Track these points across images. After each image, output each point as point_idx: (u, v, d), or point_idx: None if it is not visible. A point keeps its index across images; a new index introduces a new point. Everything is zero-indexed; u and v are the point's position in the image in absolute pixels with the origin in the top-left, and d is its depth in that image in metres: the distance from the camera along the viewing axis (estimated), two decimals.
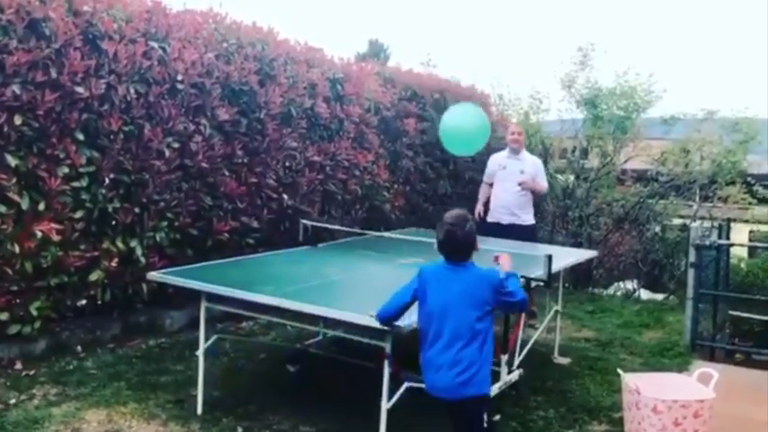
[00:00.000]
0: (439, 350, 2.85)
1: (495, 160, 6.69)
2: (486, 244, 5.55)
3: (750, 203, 8.36)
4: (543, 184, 6.58)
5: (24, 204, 4.22)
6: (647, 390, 3.73)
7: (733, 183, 8.06)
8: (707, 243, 5.81)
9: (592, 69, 8.49)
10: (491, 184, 6.66)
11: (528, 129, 8.76)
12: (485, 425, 2.89)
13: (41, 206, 4.31)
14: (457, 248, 2.91)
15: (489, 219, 6.49)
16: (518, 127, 6.76)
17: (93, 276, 4.69)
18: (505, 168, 6.49)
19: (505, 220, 6.37)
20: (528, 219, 6.45)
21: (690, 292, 5.66)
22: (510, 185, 6.36)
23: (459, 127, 5.60)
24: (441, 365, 2.84)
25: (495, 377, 4.12)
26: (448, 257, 2.95)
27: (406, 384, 3.31)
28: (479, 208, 6.67)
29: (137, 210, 4.93)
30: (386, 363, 3.23)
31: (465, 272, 2.93)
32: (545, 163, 8.74)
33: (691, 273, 5.67)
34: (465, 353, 2.81)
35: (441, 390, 2.86)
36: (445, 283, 2.91)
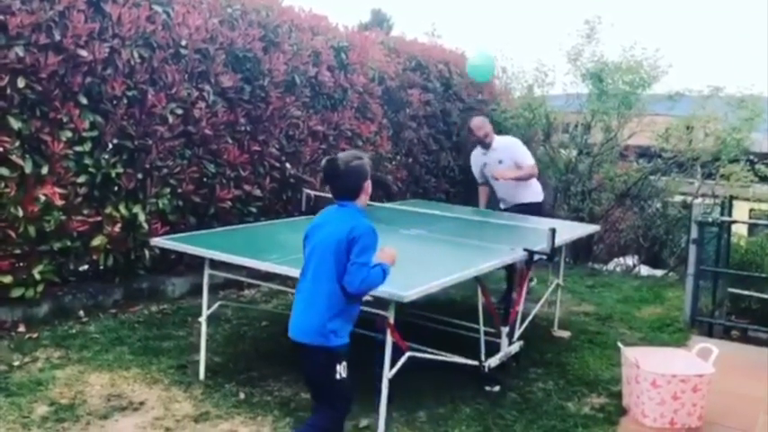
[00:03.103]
0: (299, 289, 2.80)
1: (476, 159, 6.47)
2: (489, 216, 5.60)
3: (752, 181, 8.33)
4: (527, 163, 6.14)
5: (27, 168, 4.21)
6: (646, 363, 3.76)
7: (736, 160, 8.03)
8: (709, 219, 5.81)
9: (598, 43, 8.37)
10: (485, 183, 6.49)
11: (532, 102, 8.70)
12: (336, 377, 2.70)
13: (44, 170, 4.30)
14: (333, 182, 2.78)
15: (501, 206, 6.39)
16: (479, 120, 6.36)
17: (96, 241, 4.70)
18: (487, 165, 6.29)
19: (509, 205, 6.26)
20: (530, 197, 6.22)
21: (691, 268, 5.67)
22: (499, 181, 6.15)
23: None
24: (296, 305, 2.79)
25: (496, 348, 4.16)
26: (332, 193, 2.83)
27: (407, 354, 3.34)
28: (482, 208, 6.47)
29: (139, 176, 4.91)
30: (388, 332, 3.25)
31: (340, 213, 2.80)
32: (548, 137, 8.73)
33: (692, 249, 5.68)
34: (317, 298, 2.70)
35: (292, 329, 2.78)
36: (325, 220, 2.84)
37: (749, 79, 16.95)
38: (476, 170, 6.53)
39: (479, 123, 6.32)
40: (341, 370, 2.71)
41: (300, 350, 2.76)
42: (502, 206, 6.38)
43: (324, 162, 2.80)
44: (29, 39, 4.12)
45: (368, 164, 2.86)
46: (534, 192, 6.30)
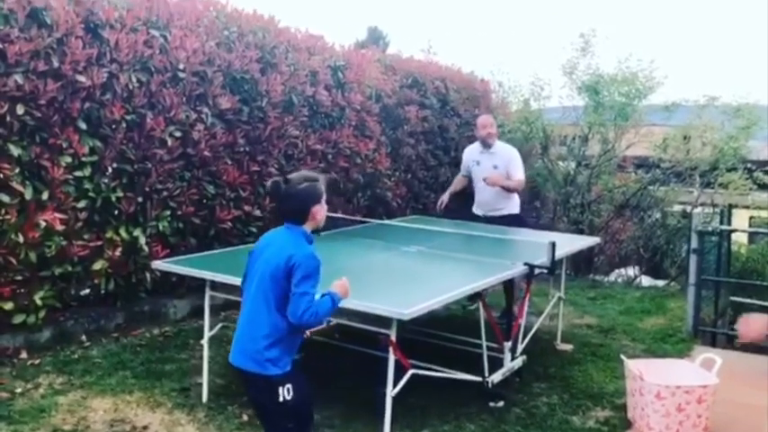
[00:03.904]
0: (241, 314, 2.70)
1: (470, 154, 6.43)
2: (476, 230, 5.60)
3: (750, 189, 8.35)
4: (517, 177, 6.06)
5: (28, 194, 4.22)
6: (650, 375, 3.75)
7: (734, 169, 8.05)
8: (709, 229, 5.82)
9: (593, 56, 8.45)
10: (466, 176, 6.46)
11: (528, 116, 8.75)
12: (279, 401, 2.59)
13: (45, 196, 4.31)
14: (279, 203, 2.72)
15: (474, 210, 6.34)
16: (488, 119, 6.34)
17: (97, 266, 4.70)
18: (479, 164, 6.23)
19: (487, 214, 6.19)
20: (509, 209, 6.17)
21: (692, 277, 5.68)
22: (483, 184, 6.08)
23: None
24: (237, 329, 2.71)
25: (499, 363, 4.16)
26: (279, 215, 2.74)
27: (410, 372, 3.33)
28: (444, 197, 6.42)
29: (140, 199, 4.93)
30: (390, 350, 3.24)
31: (284, 236, 2.70)
32: (545, 150, 8.77)
33: (693, 259, 5.69)
34: (255, 325, 2.62)
35: (231, 353, 2.70)
36: (269, 241, 2.75)
37: (745, 88, 17.05)
38: (465, 162, 6.48)
39: (486, 121, 6.28)
40: (284, 393, 2.60)
41: (241, 375, 2.69)
42: (478, 212, 6.29)
43: (269, 183, 2.71)
44: (28, 66, 4.15)
45: (320, 187, 2.74)
46: (515, 203, 6.24)
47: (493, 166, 6.11)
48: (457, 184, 6.59)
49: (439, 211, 6.41)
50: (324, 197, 2.75)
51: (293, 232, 2.69)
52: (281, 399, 2.59)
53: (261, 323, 2.60)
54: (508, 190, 6.08)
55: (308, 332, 4.70)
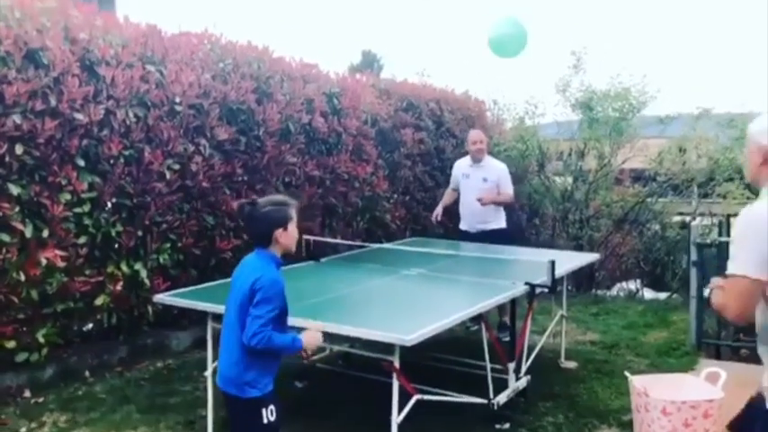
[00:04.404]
0: (221, 341, 2.77)
1: (459, 168, 6.55)
2: (474, 251, 5.62)
3: (749, 198, 8.37)
4: (508, 193, 6.26)
5: (28, 232, 4.24)
6: (655, 391, 3.74)
7: (731, 179, 8.09)
8: (708, 241, 5.83)
9: (585, 72, 8.52)
10: (455, 190, 6.58)
11: (524, 133, 8.81)
12: (263, 422, 2.66)
13: (45, 233, 4.33)
14: (246, 226, 2.75)
15: (461, 226, 6.46)
16: (479, 134, 6.46)
17: (99, 301, 4.72)
18: (468, 177, 6.34)
19: (473, 229, 6.29)
20: (497, 224, 6.29)
21: (693, 290, 5.68)
22: (473, 197, 6.16)
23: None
24: (219, 358, 2.77)
25: (503, 384, 4.15)
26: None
27: (415, 397, 3.33)
28: (438, 210, 6.55)
29: (140, 233, 4.95)
30: (394, 376, 3.24)
31: (253, 260, 2.76)
32: (542, 167, 8.81)
33: (693, 271, 5.69)
34: (231, 348, 2.68)
35: (218, 379, 2.77)
36: (242, 266, 2.81)
37: (740, 99, 17.16)
38: (454, 175, 6.61)
39: (477, 137, 6.39)
40: (268, 414, 2.65)
41: (225, 398, 2.75)
42: (465, 227, 6.38)
43: (236, 205, 2.78)
44: (25, 106, 4.20)
45: (286, 211, 2.76)
46: (502, 218, 6.38)
47: (482, 179, 6.25)
48: (447, 197, 6.70)
49: (435, 222, 6.55)
50: (291, 222, 2.78)
51: (261, 256, 2.75)
52: (265, 421, 2.64)
53: (234, 346, 2.67)
54: (499, 203, 6.26)
55: (305, 357, 4.70)
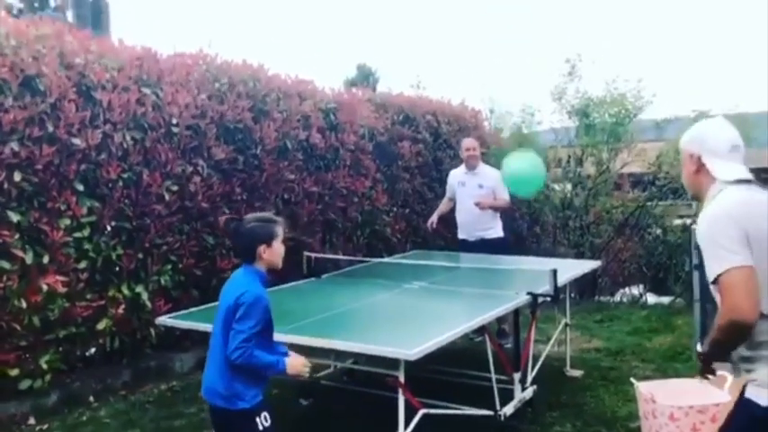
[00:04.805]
0: (208, 353, 2.80)
1: (454, 176, 6.63)
2: (475, 262, 5.61)
3: None
4: (504, 198, 6.32)
5: (29, 259, 4.24)
6: (662, 397, 3.72)
7: None
8: None
9: (581, 79, 8.57)
10: (451, 199, 6.65)
11: (522, 142, 8.82)
12: (260, 429, 2.68)
13: (45, 259, 4.33)
14: (233, 242, 2.82)
15: (459, 236, 6.52)
16: (472, 142, 6.57)
17: (101, 325, 4.70)
18: (464, 185, 6.42)
19: (472, 236, 6.36)
20: (495, 233, 6.37)
21: (696, 294, 5.65)
22: (470, 204, 6.24)
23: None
24: (205, 370, 2.79)
25: (510, 395, 4.13)
26: None
27: (421, 412, 3.31)
28: (433, 218, 6.62)
29: (140, 255, 4.95)
30: (399, 391, 3.23)
31: (240, 275, 2.80)
32: None
33: (695, 275, 5.67)
34: (217, 360, 2.71)
35: (203, 390, 2.79)
36: (230, 280, 2.84)
37: (734, 100, 17.22)
38: (450, 184, 6.69)
39: (470, 144, 6.51)
40: (262, 421, 2.68)
41: (211, 410, 2.78)
42: (464, 236, 6.43)
43: (223, 220, 2.83)
44: (23, 133, 4.22)
45: (272, 228, 2.80)
46: (500, 226, 6.45)
47: (478, 185, 6.33)
48: (443, 206, 6.77)
49: (430, 229, 6.64)
50: (277, 239, 2.81)
51: (247, 272, 2.79)
52: (260, 428, 2.66)
53: (220, 362, 2.69)
54: (497, 209, 6.34)
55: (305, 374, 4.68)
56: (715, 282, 2.06)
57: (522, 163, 5.50)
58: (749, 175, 2.23)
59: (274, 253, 2.80)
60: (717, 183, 2.23)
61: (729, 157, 2.27)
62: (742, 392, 2.12)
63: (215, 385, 2.71)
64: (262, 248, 2.76)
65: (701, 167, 2.28)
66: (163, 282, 5.09)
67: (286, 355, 2.84)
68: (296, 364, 2.78)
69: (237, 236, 2.79)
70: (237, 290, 2.69)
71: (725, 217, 2.07)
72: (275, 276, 6.05)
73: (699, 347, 2.24)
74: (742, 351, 2.14)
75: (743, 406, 2.11)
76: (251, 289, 2.68)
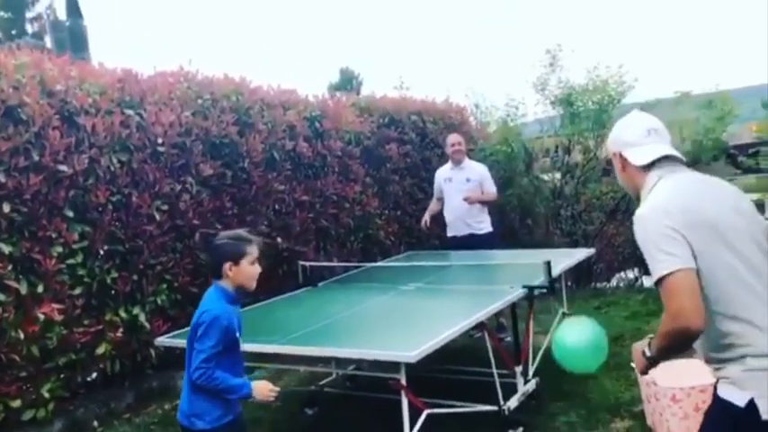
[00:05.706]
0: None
1: (441, 174, 6.72)
2: (451, 259, 5.64)
3: (735, 174, 8.43)
4: (492, 192, 6.54)
5: (23, 289, 4.23)
6: (663, 380, 3.74)
7: (716, 158, 8.14)
8: None
9: (562, 69, 8.59)
10: (440, 199, 6.72)
11: (508, 135, 8.84)
12: None
13: (40, 288, 4.31)
14: (205, 258, 2.80)
15: (448, 233, 6.60)
16: (457, 137, 6.66)
17: (101, 349, 4.69)
18: (451, 180, 6.52)
19: (461, 232, 6.43)
20: (484, 227, 6.46)
21: None
22: (458, 199, 6.35)
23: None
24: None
25: (513, 389, 4.15)
26: None
27: (425, 412, 3.33)
28: (426, 217, 6.72)
29: (135, 277, 4.94)
30: (402, 394, 3.24)
31: (208, 292, 2.80)
32: (529, 167, 8.85)
33: None
34: (187, 379, 2.72)
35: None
36: (203, 297, 2.83)
37: (713, 80, 17.36)
38: (437, 183, 6.77)
39: (455, 139, 6.61)
40: None
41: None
42: (453, 233, 6.49)
43: (197, 235, 2.83)
44: (9, 163, 4.20)
45: (242, 247, 2.74)
46: (488, 221, 6.53)
47: (465, 179, 6.44)
48: (433, 206, 6.84)
49: (424, 227, 6.73)
50: (246, 258, 2.73)
51: (216, 289, 2.76)
52: None
53: (186, 379, 2.71)
54: (484, 202, 6.44)
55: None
56: (658, 284, 1.96)
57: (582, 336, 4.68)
58: (667, 152, 2.14)
59: (242, 272, 2.73)
60: (648, 175, 2.16)
61: (647, 142, 2.20)
62: (714, 390, 2.08)
63: (182, 403, 2.74)
64: (227, 266, 2.71)
65: (625, 163, 2.23)
66: (159, 302, 5.08)
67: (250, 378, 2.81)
68: (262, 388, 2.73)
69: (207, 250, 2.78)
70: (201, 308, 2.69)
71: (661, 213, 1.98)
72: (271, 288, 6.07)
73: (647, 350, 2.19)
74: (711, 353, 2.05)
75: (721, 408, 2.01)
76: (211, 308, 2.65)
